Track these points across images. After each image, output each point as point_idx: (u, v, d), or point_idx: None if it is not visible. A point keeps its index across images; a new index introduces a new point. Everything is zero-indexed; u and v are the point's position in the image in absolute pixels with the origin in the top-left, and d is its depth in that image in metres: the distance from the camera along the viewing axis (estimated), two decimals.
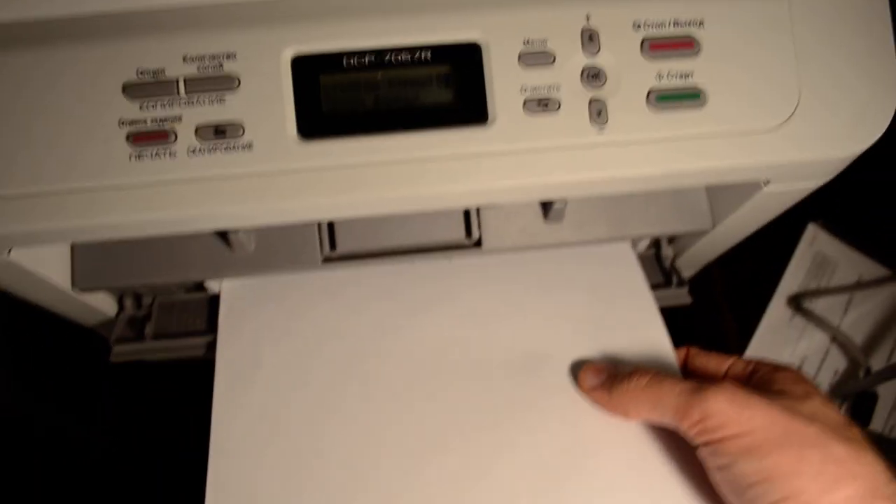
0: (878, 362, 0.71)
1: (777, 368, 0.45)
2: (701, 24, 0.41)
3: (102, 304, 0.54)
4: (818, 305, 0.73)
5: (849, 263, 0.75)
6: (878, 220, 0.75)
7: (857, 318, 0.73)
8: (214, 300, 0.54)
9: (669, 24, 0.41)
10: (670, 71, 0.41)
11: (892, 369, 0.67)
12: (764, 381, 0.43)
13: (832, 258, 0.75)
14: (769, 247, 0.68)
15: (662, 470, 0.45)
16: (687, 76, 0.41)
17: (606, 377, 0.46)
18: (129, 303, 0.55)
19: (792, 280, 0.75)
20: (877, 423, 0.69)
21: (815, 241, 0.76)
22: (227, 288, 0.52)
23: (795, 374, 0.44)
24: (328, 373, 0.48)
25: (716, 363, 0.48)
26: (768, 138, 0.41)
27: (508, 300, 0.52)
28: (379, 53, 0.40)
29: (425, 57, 0.40)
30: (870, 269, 0.75)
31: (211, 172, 0.39)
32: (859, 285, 0.74)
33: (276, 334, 0.50)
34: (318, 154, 0.39)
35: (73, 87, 0.38)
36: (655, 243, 0.58)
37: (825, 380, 0.72)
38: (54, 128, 0.38)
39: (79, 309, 0.52)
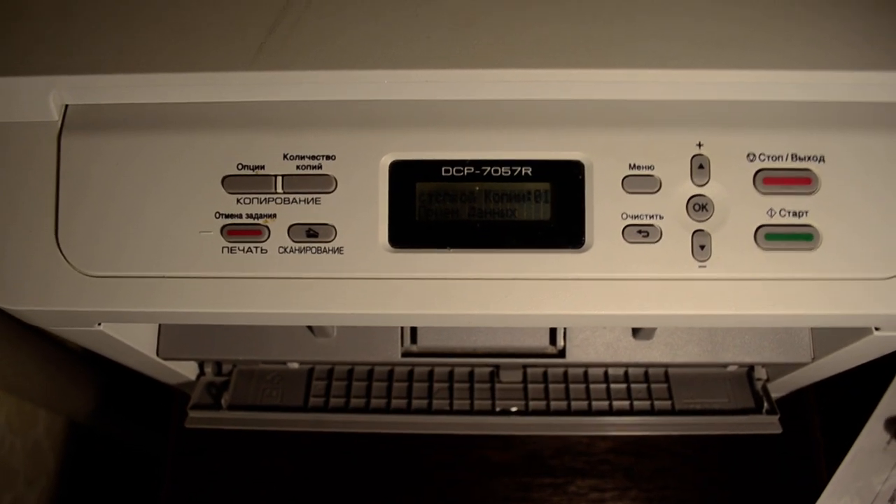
0: None
1: None
2: (822, 159, 0.39)
3: (184, 368, 0.54)
4: None
5: None
6: None
7: None
8: (292, 373, 0.54)
9: (787, 157, 0.39)
10: (783, 207, 0.38)
11: None
12: None
13: None
14: (869, 363, 0.64)
15: None
16: (801, 214, 0.38)
17: None
18: (209, 368, 0.55)
19: (892, 401, 0.70)
20: None
21: None
22: None
23: None
24: None
25: None
26: (883, 287, 0.38)
27: None
28: (478, 164, 0.39)
29: (525, 172, 0.39)
30: None
31: (299, 273, 0.39)
32: None
33: None
34: (407, 265, 0.39)
35: (174, 174, 0.39)
36: None
37: None
38: (150, 212, 0.39)
39: (161, 372, 0.53)
